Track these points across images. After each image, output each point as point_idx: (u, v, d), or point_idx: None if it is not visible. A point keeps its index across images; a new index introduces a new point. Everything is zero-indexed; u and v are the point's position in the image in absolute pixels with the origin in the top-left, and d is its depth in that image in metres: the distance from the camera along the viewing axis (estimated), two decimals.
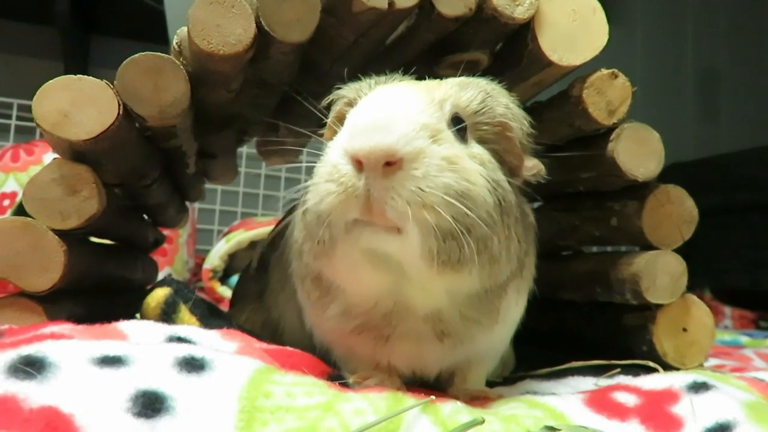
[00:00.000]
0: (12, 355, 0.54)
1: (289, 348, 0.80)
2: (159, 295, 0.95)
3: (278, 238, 0.90)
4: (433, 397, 0.61)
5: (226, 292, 2.31)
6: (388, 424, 0.55)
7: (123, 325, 0.72)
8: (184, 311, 0.93)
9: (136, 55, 0.78)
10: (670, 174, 0.94)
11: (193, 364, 0.58)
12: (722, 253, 2.76)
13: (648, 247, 0.94)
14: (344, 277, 0.70)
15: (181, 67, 0.80)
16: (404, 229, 0.62)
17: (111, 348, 0.58)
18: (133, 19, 2.61)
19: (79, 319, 0.73)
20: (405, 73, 0.79)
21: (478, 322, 0.74)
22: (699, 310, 0.95)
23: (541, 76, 0.94)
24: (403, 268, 0.66)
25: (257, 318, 1.05)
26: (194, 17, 0.77)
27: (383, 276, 0.67)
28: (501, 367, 0.98)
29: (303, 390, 0.58)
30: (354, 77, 0.80)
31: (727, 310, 2.63)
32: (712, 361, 1.23)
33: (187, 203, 1.52)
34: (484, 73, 0.79)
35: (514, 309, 0.80)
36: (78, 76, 0.78)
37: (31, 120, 0.78)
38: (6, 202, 2.16)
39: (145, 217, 1.30)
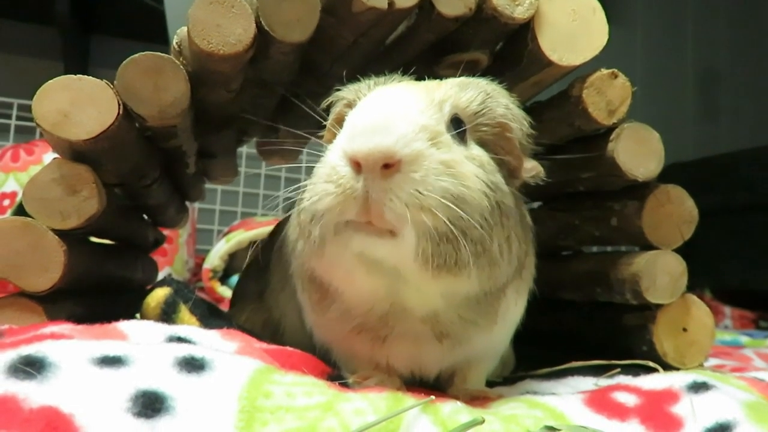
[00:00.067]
0: (12, 355, 0.54)
1: (289, 348, 0.80)
2: (159, 295, 0.95)
3: (277, 237, 0.90)
4: (433, 397, 0.61)
5: (226, 292, 2.31)
6: (388, 424, 0.55)
7: (123, 325, 0.72)
8: (184, 311, 0.93)
9: (136, 55, 0.78)
10: (670, 174, 0.94)
11: (193, 364, 0.58)
12: (722, 253, 2.76)
13: (648, 247, 0.94)
14: (338, 280, 0.70)
15: (181, 67, 0.80)
16: (401, 232, 0.62)
17: (111, 348, 0.58)
18: (133, 19, 2.61)
19: (79, 319, 0.73)
20: (405, 73, 0.79)
21: (475, 323, 0.74)
22: (699, 310, 0.95)
23: (540, 76, 0.94)
24: (397, 271, 0.65)
25: (257, 318, 1.05)
26: (194, 17, 0.77)
27: (378, 279, 0.67)
28: (501, 367, 0.98)
29: (303, 390, 0.58)
30: (354, 77, 0.80)
31: (727, 310, 2.63)
32: (712, 361, 1.23)
33: (187, 203, 1.52)
34: (484, 73, 0.79)
35: (513, 310, 0.80)
36: (78, 76, 0.78)
37: (31, 120, 0.78)
38: (6, 202, 2.16)
39: (145, 217, 1.30)
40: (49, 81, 0.77)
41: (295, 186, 0.71)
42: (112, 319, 0.73)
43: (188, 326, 0.78)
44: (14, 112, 2.64)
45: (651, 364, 0.90)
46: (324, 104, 0.80)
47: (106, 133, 0.77)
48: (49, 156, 2.01)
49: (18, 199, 2.12)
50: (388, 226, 0.62)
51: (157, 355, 0.58)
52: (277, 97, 1.08)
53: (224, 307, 1.40)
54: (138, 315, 0.97)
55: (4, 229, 0.77)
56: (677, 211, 0.94)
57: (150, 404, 0.51)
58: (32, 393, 0.50)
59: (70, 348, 0.57)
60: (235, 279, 2.23)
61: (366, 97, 0.72)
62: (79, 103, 0.77)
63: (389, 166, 0.60)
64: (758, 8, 3.86)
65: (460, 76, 0.77)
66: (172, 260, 2.41)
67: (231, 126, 1.13)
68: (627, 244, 1.02)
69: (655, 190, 0.93)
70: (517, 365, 1.05)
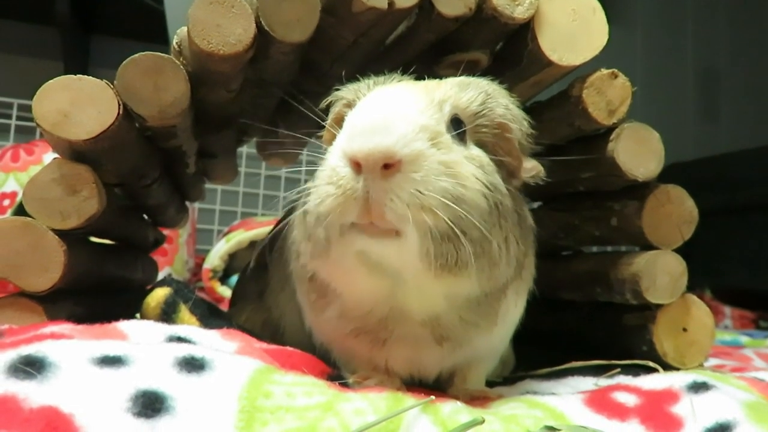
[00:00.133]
0: (12, 354, 0.54)
1: (289, 348, 0.80)
2: (159, 295, 0.95)
3: (278, 238, 0.90)
4: (433, 397, 0.61)
5: (226, 292, 2.31)
6: (388, 424, 0.55)
7: (123, 325, 0.72)
8: (184, 311, 0.93)
9: (136, 55, 0.78)
10: (670, 174, 0.94)
11: (193, 364, 0.58)
12: (722, 253, 2.76)
13: (648, 247, 0.94)
14: (339, 281, 0.70)
15: (181, 67, 0.80)
16: (403, 231, 0.62)
17: (111, 348, 0.58)
18: (133, 19, 2.61)
19: (79, 319, 0.73)
20: (405, 73, 0.79)
21: (476, 325, 0.74)
22: (699, 310, 0.95)
23: (540, 76, 0.94)
24: (399, 273, 0.65)
25: (257, 318, 1.05)
26: (194, 17, 0.77)
27: (379, 281, 0.67)
28: (501, 367, 0.98)
29: (303, 390, 0.58)
30: (353, 77, 0.80)
31: (727, 310, 2.63)
32: (712, 361, 1.23)
33: (187, 203, 1.52)
34: (484, 73, 0.79)
35: (513, 310, 0.80)
36: (78, 76, 0.78)
37: (31, 120, 0.78)
38: (6, 202, 2.16)
39: (145, 217, 1.30)
40: (49, 81, 0.77)
41: (300, 188, 0.71)
42: (112, 319, 0.73)
43: (188, 326, 0.78)
44: (14, 112, 2.64)
45: (651, 364, 0.90)
46: (323, 104, 0.80)
47: (106, 133, 0.77)
48: (49, 156, 2.01)
49: (18, 199, 2.12)
50: (390, 226, 0.62)
51: (157, 355, 0.58)
52: (277, 97, 1.08)
53: (224, 307, 1.40)
54: (138, 315, 0.97)
55: (4, 229, 0.77)
56: (677, 211, 0.94)
57: (150, 404, 0.51)
58: (32, 393, 0.50)
59: (70, 348, 0.57)
60: (235, 279, 2.23)
61: (365, 97, 0.72)
62: (79, 103, 0.77)
63: (389, 166, 0.60)
64: (758, 8, 3.86)
65: (460, 76, 0.77)
66: (172, 260, 2.41)
67: (231, 126, 1.13)
68: (627, 244, 1.02)
69: (655, 190, 0.93)
70: (517, 365, 1.05)
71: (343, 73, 0.81)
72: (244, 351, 0.70)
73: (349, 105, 0.76)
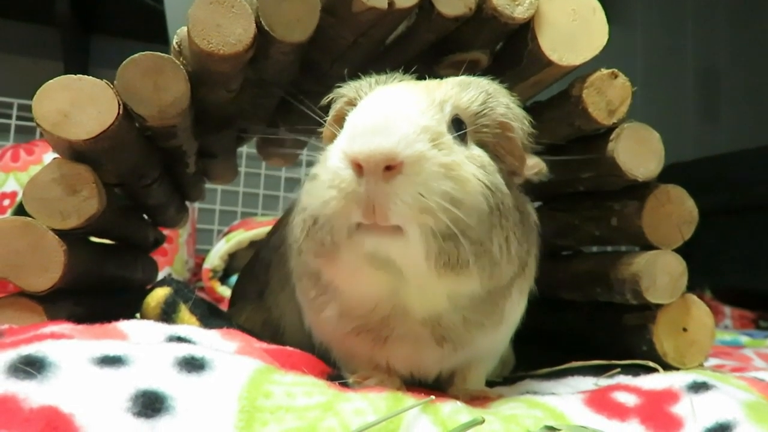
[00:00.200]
0: (12, 354, 0.54)
1: (289, 348, 0.80)
2: (159, 295, 0.95)
3: (278, 238, 0.90)
4: (433, 397, 0.61)
5: (226, 292, 2.31)
6: (388, 424, 0.55)
7: (123, 325, 0.72)
8: (184, 311, 0.93)
9: (136, 55, 0.78)
10: (670, 174, 0.94)
11: (193, 364, 0.58)
12: (722, 253, 2.76)
13: (648, 247, 0.94)
14: (345, 280, 0.70)
15: (181, 67, 0.80)
16: (406, 230, 0.62)
17: (111, 348, 0.58)
18: (133, 19, 2.61)
19: (79, 319, 0.73)
20: (405, 72, 0.79)
21: (481, 324, 0.74)
22: (699, 310, 0.95)
23: (540, 75, 0.94)
24: (402, 272, 0.66)
25: (257, 317, 1.05)
26: (194, 17, 0.77)
27: (382, 279, 0.67)
28: (501, 367, 0.98)
29: (303, 390, 0.58)
30: (354, 77, 0.80)
31: (727, 310, 2.63)
32: (712, 361, 1.23)
33: (187, 203, 1.52)
34: (484, 73, 0.79)
35: (516, 309, 0.80)
36: (78, 76, 0.78)
37: (31, 120, 0.78)
38: (6, 202, 2.16)
39: (145, 217, 1.30)
40: (49, 81, 0.77)
41: (302, 187, 0.71)
42: (112, 319, 0.73)
43: (188, 326, 0.78)
44: (14, 112, 2.64)
45: (651, 364, 0.90)
46: (324, 101, 0.80)
47: (106, 133, 0.77)
48: (49, 156, 2.01)
49: (18, 198, 2.12)
50: (393, 224, 0.62)
51: (157, 355, 0.58)
52: (277, 97, 1.08)
53: (224, 307, 1.40)
54: (138, 315, 0.97)
55: (4, 229, 0.77)
56: (677, 211, 0.94)
57: (150, 404, 0.51)
58: (32, 393, 0.50)
59: (70, 348, 0.57)
60: (235, 279, 2.23)
61: (367, 96, 0.72)
62: (79, 103, 0.77)
63: (391, 167, 0.60)
64: (758, 8, 3.86)
65: (460, 76, 0.76)
66: (172, 260, 2.41)
67: (231, 126, 1.13)
68: (627, 244, 1.02)
69: (655, 190, 0.93)
70: (517, 365, 1.04)
71: (345, 73, 0.80)
72: (244, 351, 0.70)
73: (351, 103, 0.76)
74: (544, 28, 0.87)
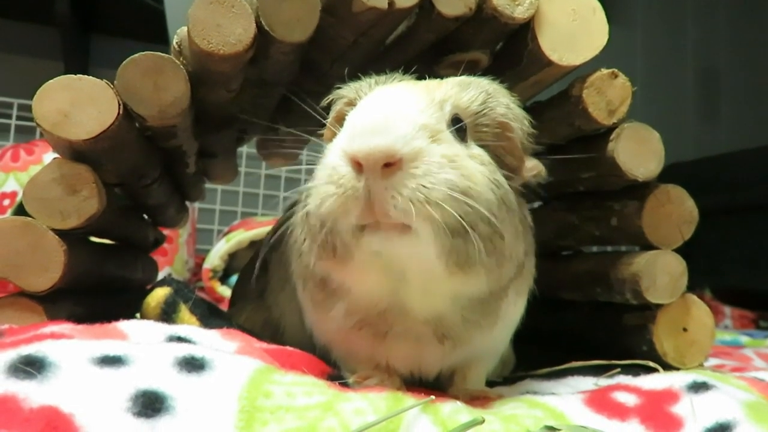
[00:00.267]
0: (12, 354, 0.54)
1: (289, 348, 0.80)
2: (159, 295, 0.95)
3: (278, 238, 0.90)
4: (433, 396, 0.61)
5: (226, 291, 2.31)
6: (388, 424, 0.55)
7: (123, 325, 0.72)
8: (184, 311, 0.93)
9: (136, 55, 0.78)
10: (670, 174, 0.94)
11: (193, 364, 0.58)
12: (722, 253, 2.76)
13: (648, 246, 0.94)
14: (354, 281, 0.70)
15: (181, 66, 0.80)
16: (413, 227, 0.61)
17: (111, 348, 0.58)
18: (133, 19, 2.61)
19: (79, 319, 0.73)
20: (405, 72, 0.79)
21: (478, 324, 0.73)
22: (699, 310, 0.95)
23: (540, 75, 0.94)
24: (404, 272, 0.65)
25: (257, 317, 1.05)
26: (194, 17, 0.77)
27: (388, 278, 0.67)
28: (501, 367, 0.98)
29: (303, 390, 0.58)
30: (354, 77, 0.80)
31: (727, 310, 2.63)
32: (712, 361, 1.23)
33: (187, 203, 1.52)
34: (484, 73, 0.79)
35: (513, 309, 0.80)
36: (78, 75, 0.78)
37: (31, 120, 0.78)
38: (6, 202, 2.16)
39: (145, 217, 1.30)
40: (49, 81, 0.77)
41: (302, 188, 0.70)
42: (112, 319, 0.73)
43: (188, 326, 0.78)
44: (14, 112, 2.64)
45: (651, 364, 0.90)
46: (324, 102, 0.80)
47: (106, 133, 0.77)
48: (49, 156, 2.01)
49: (18, 198, 2.12)
50: (397, 221, 0.61)
51: (157, 355, 0.58)
52: (277, 97, 1.08)
53: (224, 307, 1.40)
54: (138, 315, 0.97)
55: (4, 229, 0.77)
56: (677, 211, 0.94)
57: (150, 404, 0.51)
58: (32, 393, 0.50)
59: (70, 348, 0.57)
60: (235, 279, 2.23)
61: (366, 96, 0.72)
62: (79, 103, 0.77)
63: (390, 165, 0.60)
64: (758, 8, 3.86)
65: (460, 75, 0.76)
66: (172, 260, 2.41)
67: (231, 126, 1.13)
68: (627, 244, 1.02)
69: (655, 190, 0.93)
70: (517, 365, 1.05)
71: (345, 73, 0.80)
72: (244, 351, 0.70)
73: (350, 103, 0.76)
74: (544, 28, 0.87)
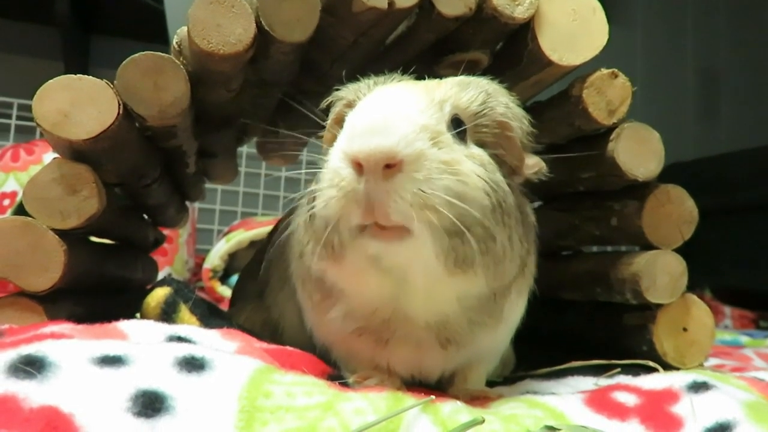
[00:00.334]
0: (12, 354, 0.54)
1: (289, 348, 0.80)
2: (159, 295, 0.95)
3: (278, 238, 0.90)
4: (433, 396, 0.61)
5: (226, 291, 2.31)
6: (388, 424, 0.55)
7: (123, 325, 0.72)
8: (184, 311, 0.93)
9: (136, 55, 0.78)
10: (670, 174, 0.94)
11: (193, 364, 0.58)
12: (722, 253, 2.76)
13: (648, 246, 0.94)
14: (349, 283, 0.70)
15: (181, 66, 0.80)
16: (412, 230, 0.62)
17: (111, 347, 0.58)
18: (133, 19, 2.61)
19: (79, 319, 0.73)
20: (405, 72, 0.79)
21: (483, 324, 0.74)
22: (699, 309, 0.95)
23: (540, 75, 0.94)
24: (406, 277, 0.66)
25: (257, 317, 1.05)
26: (194, 17, 0.77)
27: (384, 283, 0.67)
28: (501, 367, 0.98)
29: (303, 390, 0.58)
30: (354, 77, 0.80)
31: (727, 310, 2.63)
32: (712, 361, 1.23)
33: (187, 203, 1.52)
34: (484, 73, 0.79)
35: (515, 308, 0.80)
36: (78, 75, 0.78)
37: (31, 120, 0.78)
38: (6, 202, 2.16)
39: (145, 216, 1.30)
40: (49, 81, 0.77)
41: (304, 191, 0.71)
42: (112, 319, 0.73)
43: (188, 326, 0.78)
44: (14, 112, 2.64)
45: (651, 363, 0.90)
46: (323, 104, 0.80)
47: (106, 133, 0.77)
48: (49, 156, 2.01)
49: (18, 198, 2.12)
50: (396, 224, 0.61)
51: (157, 355, 0.58)
52: (277, 97, 1.08)
53: (224, 307, 1.40)
54: (138, 315, 0.97)
55: (4, 229, 0.77)
56: (677, 211, 0.94)
57: (150, 404, 0.51)
58: (32, 392, 0.50)
59: (70, 347, 0.57)
60: (235, 279, 2.23)
61: (366, 97, 0.72)
62: (79, 103, 0.77)
63: (391, 166, 0.60)
64: (758, 8, 3.86)
65: (460, 75, 0.76)
66: (172, 260, 2.41)
67: (231, 126, 1.13)
68: (627, 244, 1.02)
69: (655, 190, 0.93)
70: (517, 365, 1.04)
71: (344, 73, 0.80)
72: (244, 351, 0.70)
73: (350, 105, 0.76)
74: (544, 28, 0.87)
